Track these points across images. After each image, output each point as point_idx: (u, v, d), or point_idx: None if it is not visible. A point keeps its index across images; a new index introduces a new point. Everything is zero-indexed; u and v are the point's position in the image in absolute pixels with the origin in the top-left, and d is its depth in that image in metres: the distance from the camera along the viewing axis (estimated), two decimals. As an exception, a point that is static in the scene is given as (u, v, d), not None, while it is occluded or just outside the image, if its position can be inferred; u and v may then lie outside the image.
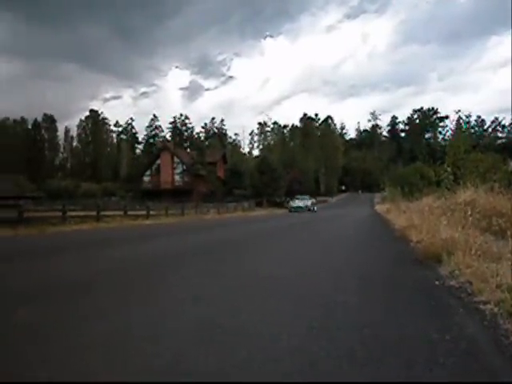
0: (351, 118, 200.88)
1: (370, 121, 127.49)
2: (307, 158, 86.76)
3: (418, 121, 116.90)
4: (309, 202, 40.98)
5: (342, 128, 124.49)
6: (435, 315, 2.62)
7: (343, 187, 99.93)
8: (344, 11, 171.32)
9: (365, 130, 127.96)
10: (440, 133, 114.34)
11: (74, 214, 19.28)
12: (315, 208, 41.20)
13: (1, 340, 2.28)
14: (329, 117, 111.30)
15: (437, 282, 3.46)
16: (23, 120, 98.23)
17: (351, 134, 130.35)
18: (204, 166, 61.69)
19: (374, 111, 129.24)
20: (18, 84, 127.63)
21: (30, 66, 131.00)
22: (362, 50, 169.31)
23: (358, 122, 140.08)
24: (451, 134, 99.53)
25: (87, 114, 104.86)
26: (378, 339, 2.22)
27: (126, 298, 3.12)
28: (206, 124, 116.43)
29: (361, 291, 3.30)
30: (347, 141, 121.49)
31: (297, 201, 41.72)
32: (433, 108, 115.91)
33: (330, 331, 2.33)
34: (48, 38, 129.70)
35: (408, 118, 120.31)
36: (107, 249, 7.08)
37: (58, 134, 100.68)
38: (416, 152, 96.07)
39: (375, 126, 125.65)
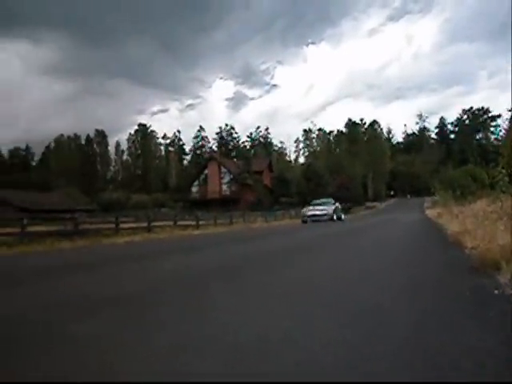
0: (398, 121, 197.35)
1: (417, 123, 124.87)
2: (354, 163, 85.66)
3: (468, 121, 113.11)
4: (331, 209, 28.42)
5: (389, 132, 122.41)
6: (496, 326, 2.53)
7: (391, 192, 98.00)
8: (387, 13, 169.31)
9: (412, 133, 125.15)
10: (492, 133, 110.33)
11: (125, 225, 19.80)
12: (342, 216, 30.66)
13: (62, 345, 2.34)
14: (374, 121, 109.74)
15: (496, 291, 3.33)
16: (76, 136, 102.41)
17: (398, 137, 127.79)
18: (250, 175, 62.07)
19: (421, 113, 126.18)
20: (70, 102, 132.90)
21: (80, 84, 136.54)
22: (406, 51, 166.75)
23: (405, 125, 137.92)
24: (504, 133, 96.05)
25: (136, 127, 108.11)
26: (433, 351, 2.16)
27: (175, 309, 3.17)
28: (251, 133, 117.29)
29: (413, 301, 3.22)
30: (394, 145, 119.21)
31: (313, 207, 29.74)
32: (483, 107, 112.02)
33: (384, 343, 2.28)
34: (97, 55, 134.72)
35: (457, 118, 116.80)
36: (159, 260, 7.21)
37: (109, 148, 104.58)
38: (467, 154, 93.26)
39: (423, 129, 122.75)
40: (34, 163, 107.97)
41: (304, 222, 27.63)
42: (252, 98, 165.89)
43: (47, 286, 4.68)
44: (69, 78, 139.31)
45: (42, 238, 14.26)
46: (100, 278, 5.11)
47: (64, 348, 2.32)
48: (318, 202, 31.30)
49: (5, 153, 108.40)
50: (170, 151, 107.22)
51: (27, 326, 2.84)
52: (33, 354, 2.23)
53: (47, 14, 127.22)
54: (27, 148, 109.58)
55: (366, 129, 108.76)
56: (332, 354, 2.11)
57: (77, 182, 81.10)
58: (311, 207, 29.64)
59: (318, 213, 27.71)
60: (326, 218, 27.04)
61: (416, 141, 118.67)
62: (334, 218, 27.58)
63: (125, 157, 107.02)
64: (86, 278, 5.15)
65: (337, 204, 30.39)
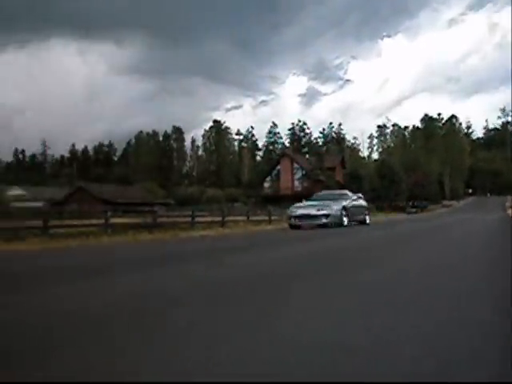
0: (478, 115, 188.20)
1: (499, 118, 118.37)
2: (430, 160, 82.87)
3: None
4: (337, 207, 16.96)
5: (468, 127, 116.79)
6: None
7: (470, 190, 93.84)
8: (467, 2, 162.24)
9: (494, 128, 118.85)
10: None
11: (200, 219, 20.54)
12: (367, 218, 19.41)
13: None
14: (453, 115, 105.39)
15: None
16: (155, 133, 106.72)
17: (478, 132, 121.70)
18: (323, 171, 61.77)
19: (504, 107, 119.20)
20: (149, 100, 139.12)
21: (159, 83, 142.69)
22: (488, 41, 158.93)
23: (486, 120, 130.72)
24: None
25: (211, 124, 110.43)
26: None
27: (254, 307, 3.04)
28: (323, 129, 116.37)
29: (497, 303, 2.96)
30: (474, 140, 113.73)
31: (307, 204, 18.60)
32: None
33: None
34: (174, 55, 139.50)
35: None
36: (239, 254, 7.38)
37: (185, 144, 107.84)
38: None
39: (506, 123, 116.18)
40: (115, 158, 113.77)
41: (293, 226, 17.21)
42: (325, 94, 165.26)
43: (137, 276, 4.94)
44: (148, 77, 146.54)
45: (123, 230, 15.20)
46: (191, 269, 5.28)
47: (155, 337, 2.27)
48: (321, 194, 21.05)
49: (90, 149, 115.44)
50: (243, 147, 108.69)
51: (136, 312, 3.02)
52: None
53: (129, 15, 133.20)
54: (110, 144, 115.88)
55: (443, 124, 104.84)
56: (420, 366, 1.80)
57: (154, 176, 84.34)
58: (301, 204, 19.04)
59: (312, 213, 16.67)
60: (326, 221, 16.18)
61: (498, 136, 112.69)
62: (345, 221, 16.74)
63: (200, 152, 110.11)
64: (183, 268, 5.33)
65: (354, 199, 18.98)
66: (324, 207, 16.80)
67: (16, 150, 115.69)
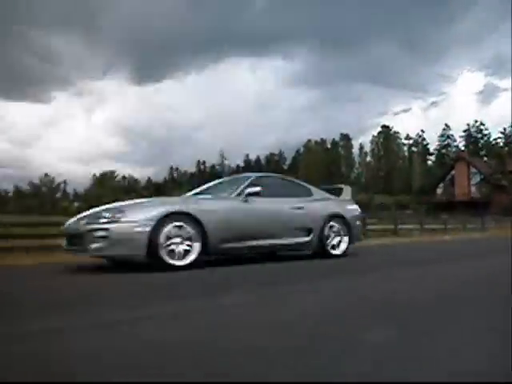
0: None
1: None
2: None
3: None
4: (141, 216, 5.77)
5: None
6: None
7: None
8: None
9: None
10: None
11: (372, 227, 20.43)
12: (333, 241, 7.87)
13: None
14: None
15: None
16: (323, 141, 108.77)
17: None
18: (505, 175, 56.63)
19: None
20: (317, 109, 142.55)
21: (326, 91, 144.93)
22: None
23: None
24: None
25: (379, 129, 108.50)
26: None
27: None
28: (504, 129, 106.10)
29: None
30: None
31: (107, 207, 6.49)
32: None
33: None
34: (341, 63, 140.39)
35: None
36: (434, 265, 7.35)
37: (353, 150, 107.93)
38: None
39: None
40: (285, 167, 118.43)
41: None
42: (505, 89, 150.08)
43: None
44: (315, 87, 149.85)
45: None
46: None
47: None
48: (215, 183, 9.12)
49: (262, 158, 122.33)
50: (413, 152, 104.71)
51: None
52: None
53: (295, 29, 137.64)
54: (280, 153, 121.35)
55: None
56: None
57: (323, 183, 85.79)
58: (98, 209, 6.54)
59: (79, 227, 6.05)
60: (97, 246, 5.70)
61: None
62: (184, 254, 5.92)
63: (368, 159, 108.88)
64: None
65: (256, 192, 7.14)
66: (110, 214, 6.06)
67: (198, 161, 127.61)
